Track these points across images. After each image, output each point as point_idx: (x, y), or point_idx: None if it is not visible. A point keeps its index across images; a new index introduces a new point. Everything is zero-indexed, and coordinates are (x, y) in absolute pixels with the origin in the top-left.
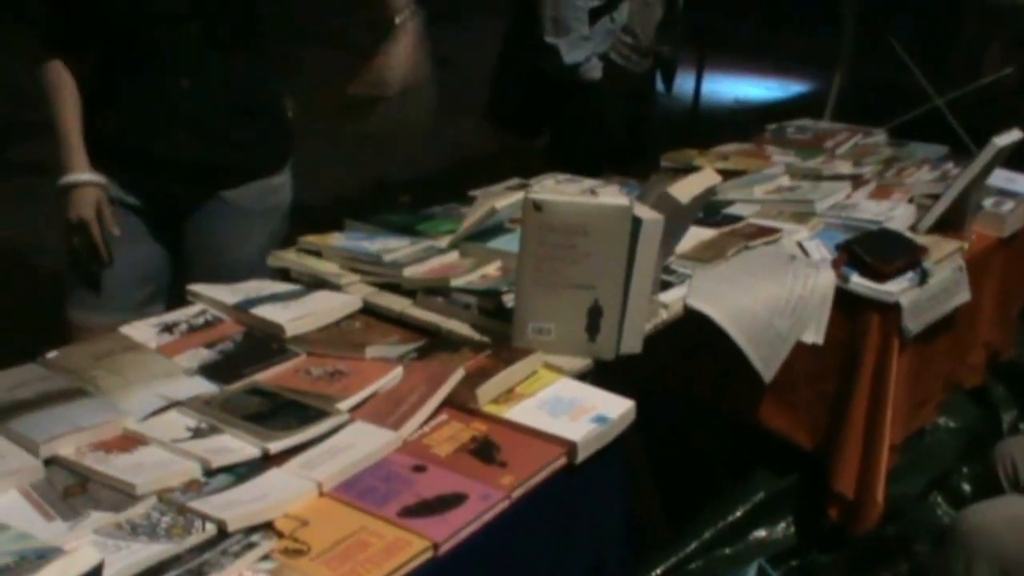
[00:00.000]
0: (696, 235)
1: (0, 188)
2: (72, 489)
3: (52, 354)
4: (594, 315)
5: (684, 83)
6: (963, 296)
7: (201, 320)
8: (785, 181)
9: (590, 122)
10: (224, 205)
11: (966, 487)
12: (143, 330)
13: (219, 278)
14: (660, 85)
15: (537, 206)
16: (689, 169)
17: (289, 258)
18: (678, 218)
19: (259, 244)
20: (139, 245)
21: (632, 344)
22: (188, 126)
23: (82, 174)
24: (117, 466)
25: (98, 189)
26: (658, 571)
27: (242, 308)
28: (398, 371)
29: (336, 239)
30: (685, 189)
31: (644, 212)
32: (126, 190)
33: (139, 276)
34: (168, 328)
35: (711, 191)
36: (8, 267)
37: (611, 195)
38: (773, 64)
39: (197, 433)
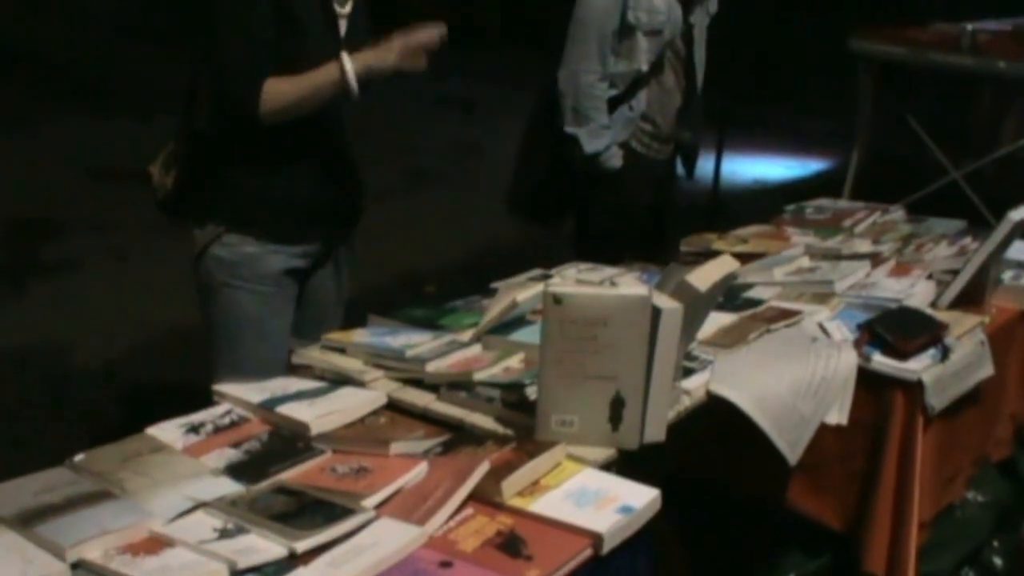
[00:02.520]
0: (717, 320)
1: (31, 287)
2: None
3: (79, 457)
4: (616, 405)
5: (704, 164)
6: (986, 370)
7: (227, 420)
8: (805, 262)
9: (612, 210)
10: (350, 249)
11: (998, 561)
12: (169, 431)
13: (336, 316)
14: (681, 169)
15: (557, 299)
16: (709, 253)
17: (313, 356)
18: (698, 305)
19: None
20: (291, 311)
21: (655, 433)
22: (353, 176)
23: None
24: (144, 569)
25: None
26: None
27: (267, 407)
28: (423, 467)
29: (359, 335)
30: (703, 277)
31: (663, 301)
32: (295, 255)
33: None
34: (194, 428)
35: (730, 277)
36: (40, 368)
37: (630, 286)
38: (792, 142)
39: (224, 534)
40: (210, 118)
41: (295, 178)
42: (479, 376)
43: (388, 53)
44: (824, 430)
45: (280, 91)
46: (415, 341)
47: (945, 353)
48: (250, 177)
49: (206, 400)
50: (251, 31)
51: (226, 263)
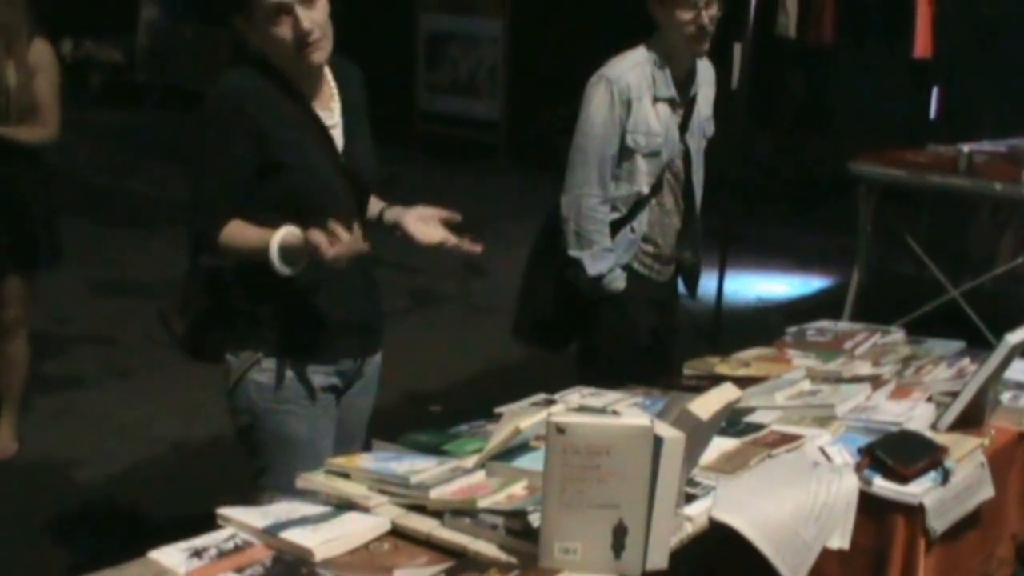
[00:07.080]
0: (719, 446)
1: (32, 402)
2: None
3: None
4: (619, 533)
5: (706, 283)
6: (987, 492)
7: (231, 544)
8: (806, 385)
9: (615, 332)
10: (376, 368)
11: None
12: (172, 555)
13: (361, 437)
14: (683, 289)
15: (560, 429)
16: (712, 377)
17: (318, 481)
18: (700, 433)
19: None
20: (333, 430)
21: (658, 560)
22: (375, 291)
23: (280, 230)
24: None
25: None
26: None
27: (271, 532)
28: None
29: (364, 460)
30: (705, 406)
31: (665, 430)
32: (331, 373)
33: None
34: (198, 553)
35: (731, 405)
36: (40, 485)
37: (632, 415)
38: (794, 261)
39: None
40: None
41: (325, 299)
42: (482, 503)
43: (306, 248)
44: (826, 555)
45: (235, 236)
46: (419, 467)
47: (946, 476)
48: (280, 301)
49: (209, 520)
50: (221, 171)
51: (268, 388)
